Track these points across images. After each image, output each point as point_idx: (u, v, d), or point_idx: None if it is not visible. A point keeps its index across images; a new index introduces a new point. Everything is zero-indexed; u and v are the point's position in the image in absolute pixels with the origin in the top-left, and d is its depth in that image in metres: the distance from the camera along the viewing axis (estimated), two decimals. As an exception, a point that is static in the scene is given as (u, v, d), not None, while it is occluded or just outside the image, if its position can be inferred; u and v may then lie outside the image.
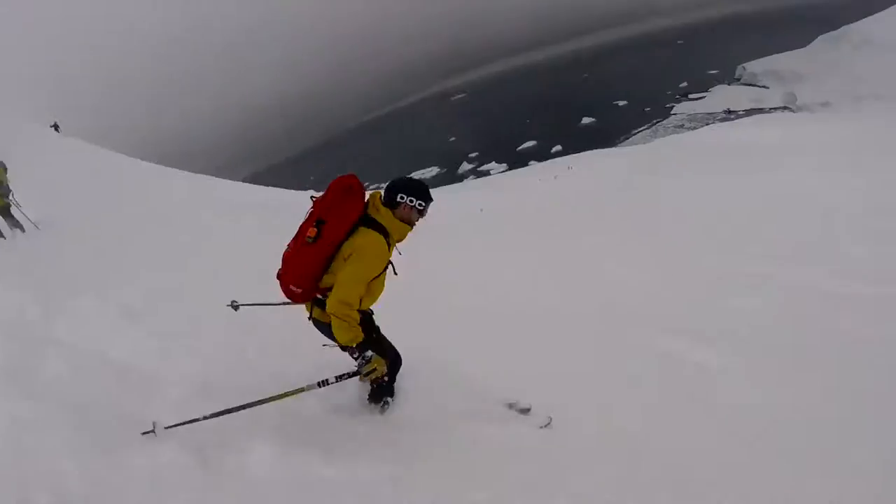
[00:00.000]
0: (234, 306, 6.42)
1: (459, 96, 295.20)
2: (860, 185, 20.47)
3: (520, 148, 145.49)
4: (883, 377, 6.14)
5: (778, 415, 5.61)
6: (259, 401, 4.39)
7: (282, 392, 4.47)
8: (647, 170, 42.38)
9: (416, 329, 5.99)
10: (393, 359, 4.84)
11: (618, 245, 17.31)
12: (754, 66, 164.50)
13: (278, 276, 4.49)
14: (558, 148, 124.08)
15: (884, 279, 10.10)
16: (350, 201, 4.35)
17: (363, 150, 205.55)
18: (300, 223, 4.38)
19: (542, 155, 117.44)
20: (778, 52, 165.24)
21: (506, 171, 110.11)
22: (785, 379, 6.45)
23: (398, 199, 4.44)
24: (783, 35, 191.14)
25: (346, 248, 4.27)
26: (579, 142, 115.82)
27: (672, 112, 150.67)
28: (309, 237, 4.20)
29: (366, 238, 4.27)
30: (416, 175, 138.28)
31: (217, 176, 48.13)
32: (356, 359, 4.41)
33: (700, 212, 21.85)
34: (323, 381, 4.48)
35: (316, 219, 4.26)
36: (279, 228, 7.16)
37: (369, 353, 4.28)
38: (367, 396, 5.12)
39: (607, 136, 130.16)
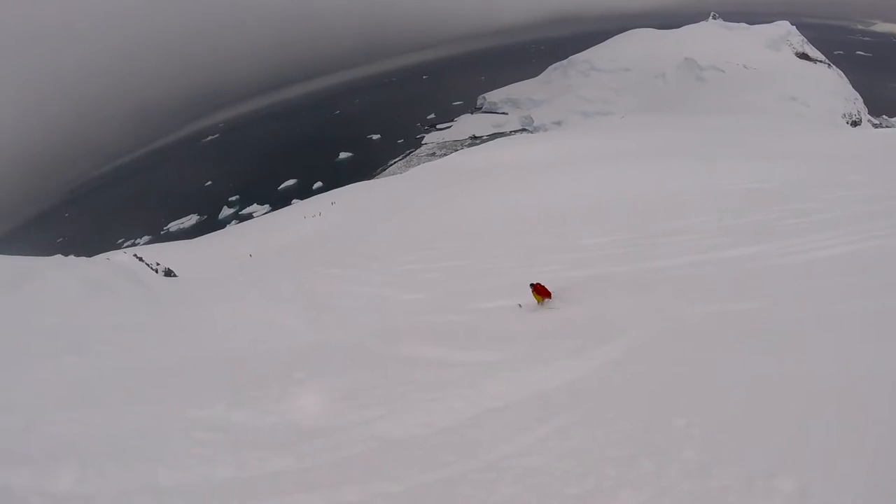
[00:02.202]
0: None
1: (212, 137, 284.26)
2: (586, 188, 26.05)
3: (281, 187, 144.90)
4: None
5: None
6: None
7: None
8: (406, 195, 46.06)
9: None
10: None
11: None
12: (494, 96, 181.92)
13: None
14: (319, 184, 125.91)
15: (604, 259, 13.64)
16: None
17: (114, 201, 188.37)
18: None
19: (304, 192, 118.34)
20: (514, 82, 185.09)
21: (269, 211, 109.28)
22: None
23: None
24: (518, 67, 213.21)
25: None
26: (339, 176, 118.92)
27: (423, 142, 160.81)
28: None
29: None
30: (173, 226, 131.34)
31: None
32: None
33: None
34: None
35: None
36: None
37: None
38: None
39: (365, 168, 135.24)
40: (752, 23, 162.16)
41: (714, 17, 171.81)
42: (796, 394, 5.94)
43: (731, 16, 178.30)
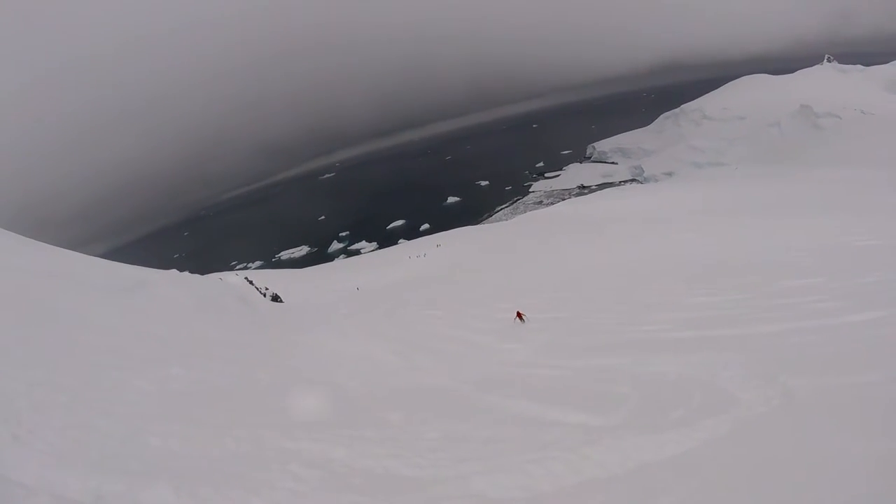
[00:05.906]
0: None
1: (328, 175, 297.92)
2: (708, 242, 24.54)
3: (389, 226, 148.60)
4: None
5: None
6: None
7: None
8: (511, 242, 45.69)
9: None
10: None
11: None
12: (603, 145, 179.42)
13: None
14: (426, 226, 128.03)
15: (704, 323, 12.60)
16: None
17: (231, 225, 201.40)
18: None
19: (411, 233, 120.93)
20: (625, 131, 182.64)
21: (376, 249, 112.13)
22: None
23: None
24: (629, 115, 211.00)
25: None
26: (446, 219, 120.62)
27: (530, 190, 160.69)
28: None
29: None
30: (285, 254, 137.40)
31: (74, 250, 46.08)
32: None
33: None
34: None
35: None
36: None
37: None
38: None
39: (472, 213, 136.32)
40: (867, 64, 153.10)
41: (829, 61, 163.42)
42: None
43: (844, 57, 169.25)
